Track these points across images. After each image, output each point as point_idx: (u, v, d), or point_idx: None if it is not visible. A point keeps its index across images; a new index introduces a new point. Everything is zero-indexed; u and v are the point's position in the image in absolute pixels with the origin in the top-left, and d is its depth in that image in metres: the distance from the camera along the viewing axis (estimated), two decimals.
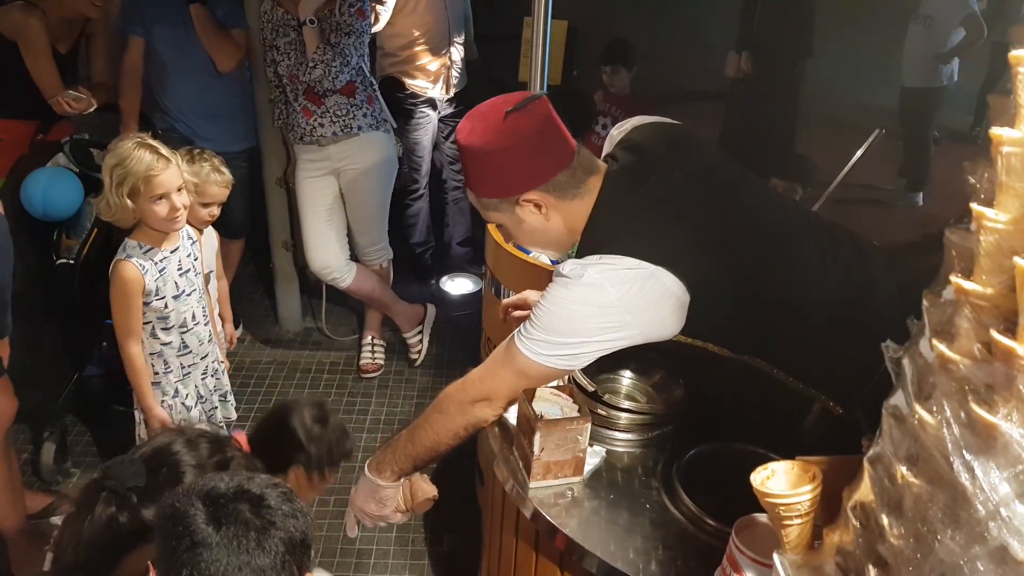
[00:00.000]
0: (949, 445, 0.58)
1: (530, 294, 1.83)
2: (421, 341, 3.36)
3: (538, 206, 1.38)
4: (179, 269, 2.08)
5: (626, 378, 1.73)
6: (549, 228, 1.42)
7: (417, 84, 3.51)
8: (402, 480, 1.57)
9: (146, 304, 2.03)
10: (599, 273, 1.30)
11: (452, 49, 3.54)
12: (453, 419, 1.47)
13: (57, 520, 1.15)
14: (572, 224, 1.41)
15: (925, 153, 5.09)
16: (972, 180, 0.60)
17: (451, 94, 3.61)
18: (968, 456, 0.56)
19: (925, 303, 0.65)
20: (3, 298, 2.16)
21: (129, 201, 1.91)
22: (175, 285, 2.06)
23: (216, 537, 0.91)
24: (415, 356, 3.36)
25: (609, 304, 1.30)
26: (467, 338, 3.39)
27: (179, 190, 1.97)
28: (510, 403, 1.47)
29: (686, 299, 1.32)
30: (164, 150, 1.95)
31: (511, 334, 1.42)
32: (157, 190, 1.92)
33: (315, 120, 2.85)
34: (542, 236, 1.44)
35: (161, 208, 1.94)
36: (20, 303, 2.26)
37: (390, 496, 1.57)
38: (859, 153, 1.97)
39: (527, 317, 1.41)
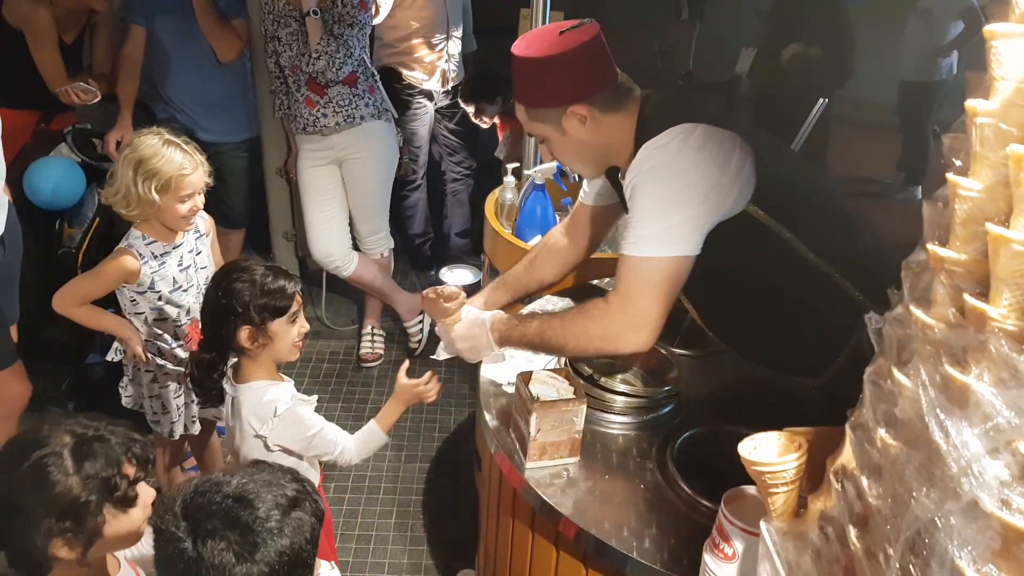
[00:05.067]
0: (925, 406, 0.60)
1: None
2: (421, 331, 3.38)
3: (583, 118, 1.46)
4: (179, 265, 2.08)
5: (622, 363, 1.75)
6: (589, 142, 1.50)
7: (414, 76, 3.53)
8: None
9: (140, 294, 2.05)
10: (665, 143, 1.38)
11: (450, 42, 3.56)
12: (588, 346, 1.48)
13: None
14: (612, 139, 1.49)
15: (924, 147, 5.11)
16: (948, 153, 0.63)
17: (448, 87, 3.63)
18: (942, 416, 0.59)
19: (904, 272, 0.67)
20: (13, 284, 2.19)
21: (156, 196, 1.92)
22: (173, 280, 2.07)
23: (197, 555, 0.94)
24: (415, 345, 3.38)
25: (692, 161, 1.37)
26: None
27: (200, 191, 2.00)
28: (661, 323, 1.44)
29: (749, 149, 1.39)
30: (189, 147, 1.97)
31: (619, 259, 1.44)
32: (186, 189, 1.95)
33: (318, 110, 2.87)
34: (581, 150, 1.53)
35: (184, 207, 1.97)
36: (22, 291, 2.29)
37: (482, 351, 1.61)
38: (808, 121, 2.00)
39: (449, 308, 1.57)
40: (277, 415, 1.61)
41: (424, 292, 1.62)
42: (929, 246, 0.62)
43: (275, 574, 0.97)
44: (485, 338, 1.56)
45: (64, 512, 1.11)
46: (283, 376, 1.73)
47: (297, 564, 1.00)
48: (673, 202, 1.37)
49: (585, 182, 1.80)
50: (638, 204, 1.41)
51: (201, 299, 2.15)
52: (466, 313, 1.61)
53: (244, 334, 1.61)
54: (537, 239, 2.22)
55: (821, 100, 2.04)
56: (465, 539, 2.45)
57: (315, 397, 1.72)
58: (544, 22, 2.27)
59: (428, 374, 1.79)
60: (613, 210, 1.78)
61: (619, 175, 1.58)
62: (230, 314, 1.60)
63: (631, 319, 1.41)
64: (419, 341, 3.38)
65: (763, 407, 1.55)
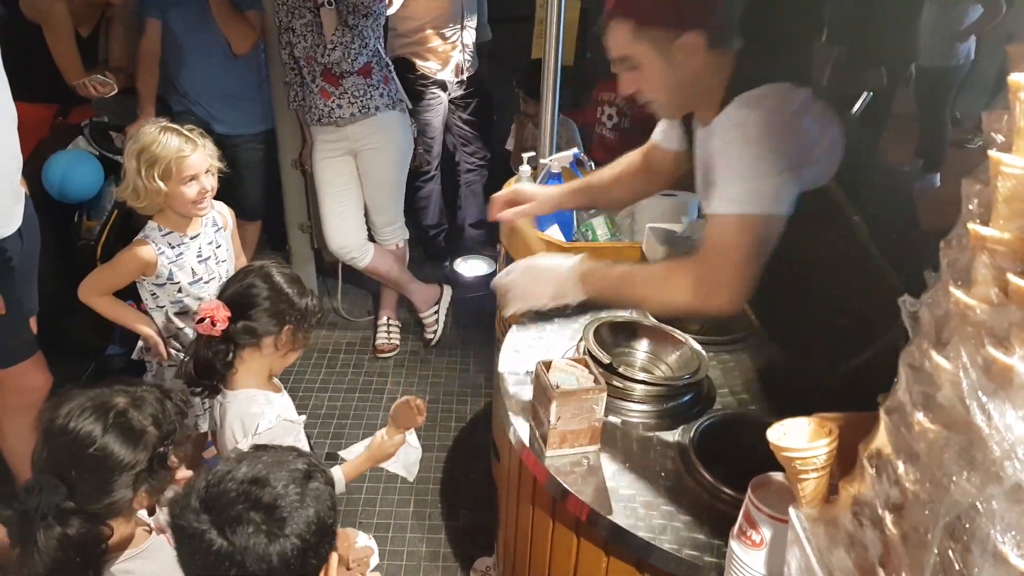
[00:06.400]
0: (966, 389, 0.59)
1: (521, 187, 1.85)
2: (437, 321, 3.38)
3: (695, 48, 1.35)
4: (198, 256, 2.09)
5: (641, 351, 1.74)
6: (688, 77, 1.39)
7: (428, 66, 3.52)
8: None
9: (159, 287, 2.05)
10: (762, 97, 1.30)
11: (464, 32, 3.54)
12: (674, 300, 1.40)
13: None
14: (708, 80, 1.39)
15: (942, 133, 5.03)
16: (987, 129, 0.61)
17: (462, 77, 3.61)
18: (984, 398, 0.57)
19: (942, 253, 0.66)
20: (32, 276, 2.20)
21: (162, 183, 1.92)
22: (192, 272, 2.07)
23: (228, 545, 0.95)
24: (431, 336, 3.38)
25: (788, 124, 1.29)
26: (482, 319, 3.41)
27: (207, 172, 1.99)
28: (752, 284, 1.35)
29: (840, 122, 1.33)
30: (191, 132, 1.98)
31: (707, 218, 1.36)
32: (188, 171, 1.94)
33: (333, 101, 2.86)
34: (677, 84, 1.41)
35: (191, 190, 1.96)
36: (41, 285, 2.30)
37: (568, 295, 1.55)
38: (853, 115, 1.96)
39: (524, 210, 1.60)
40: (257, 433, 1.62)
41: (406, 398, 1.69)
42: (970, 225, 0.61)
43: (307, 544, 0.99)
44: (568, 268, 1.49)
45: (151, 460, 1.20)
46: (277, 385, 1.74)
47: (324, 532, 1.02)
48: (765, 162, 1.28)
49: (659, 126, 1.71)
50: (727, 159, 1.31)
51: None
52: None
53: (286, 334, 1.66)
54: (555, 228, 2.21)
55: (866, 93, 1.99)
56: (483, 527, 2.46)
57: (303, 417, 1.73)
58: (561, 11, 2.24)
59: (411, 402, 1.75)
60: (680, 158, 1.68)
61: (695, 122, 1.49)
62: (291, 307, 1.66)
63: (721, 277, 1.33)
64: (435, 332, 3.38)
65: (783, 395, 1.54)
